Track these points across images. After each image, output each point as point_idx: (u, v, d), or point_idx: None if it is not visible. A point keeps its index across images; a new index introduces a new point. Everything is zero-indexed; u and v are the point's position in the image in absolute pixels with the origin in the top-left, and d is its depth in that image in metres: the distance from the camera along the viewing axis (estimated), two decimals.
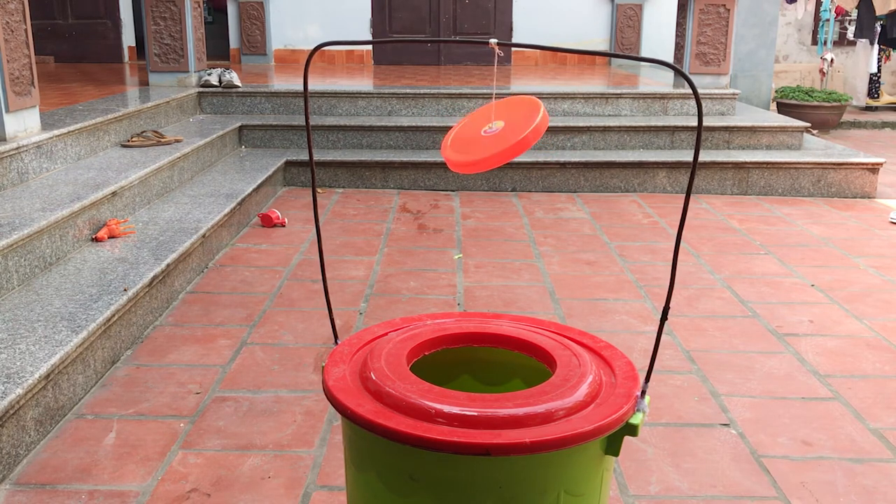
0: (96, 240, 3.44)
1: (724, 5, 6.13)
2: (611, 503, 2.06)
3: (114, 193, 3.66)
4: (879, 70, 10.17)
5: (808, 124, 6.27)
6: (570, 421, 1.24)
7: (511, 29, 9.11)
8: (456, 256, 4.04)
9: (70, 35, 8.46)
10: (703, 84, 6.25)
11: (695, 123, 5.86)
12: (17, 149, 3.52)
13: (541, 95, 6.07)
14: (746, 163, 5.48)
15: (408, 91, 6.10)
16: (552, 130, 5.76)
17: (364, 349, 1.48)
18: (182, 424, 2.40)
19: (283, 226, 4.51)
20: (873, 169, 5.52)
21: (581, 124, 5.80)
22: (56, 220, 3.13)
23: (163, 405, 2.51)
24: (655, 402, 2.56)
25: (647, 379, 1.35)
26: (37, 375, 2.23)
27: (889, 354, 2.98)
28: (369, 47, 9.12)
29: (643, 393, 1.34)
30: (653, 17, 9.14)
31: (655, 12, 9.13)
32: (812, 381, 2.75)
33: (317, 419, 2.44)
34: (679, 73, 1.30)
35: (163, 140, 4.71)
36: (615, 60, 9.35)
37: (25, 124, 3.66)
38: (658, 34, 9.02)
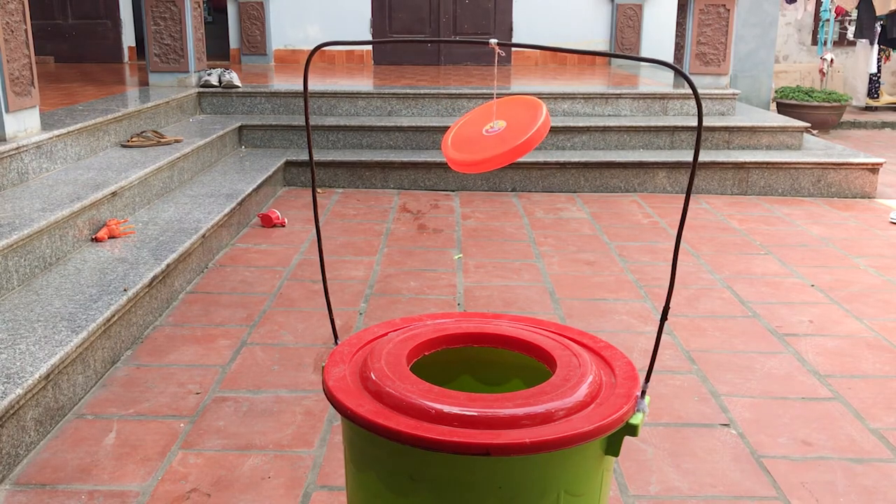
0: (96, 240, 3.44)
1: (724, 5, 6.13)
2: (611, 503, 2.06)
3: (114, 193, 3.66)
4: (879, 70, 10.17)
5: (808, 124, 6.27)
6: (570, 421, 1.24)
7: (511, 29, 9.11)
8: (456, 256, 4.04)
9: (70, 35, 8.46)
10: (703, 84, 6.25)
11: (695, 123, 5.86)
12: (17, 149, 3.52)
13: (541, 95, 6.07)
14: (746, 163, 5.48)
15: (408, 91, 6.11)
16: (552, 130, 5.75)
17: (364, 349, 1.48)
18: (182, 424, 2.40)
19: (283, 226, 4.51)
20: (873, 169, 5.52)
21: (581, 124, 5.80)
22: (56, 221, 3.13)
23: (163, 405, 2.51)
24: (655, 402, 2.56)
25: (647, 379, 1.35)
26: (37, 375, 2.23)
27: (889, 354, 2.98)
28: (369, 47, 9.12)
29: (643, 393, 1.34)
30: (653, 17, 9.14)
31: (655, 12, 9.13)
32: (812, 381, 2.75)
33: (317, 419, 2.44)
34: (679, 73, 1.30)
35: (163, 140, 4.71)
36: (615, 60, 9.35)
37: (25, 124, 3.66)
38: (658, 34, 9.02)
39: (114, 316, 2.74)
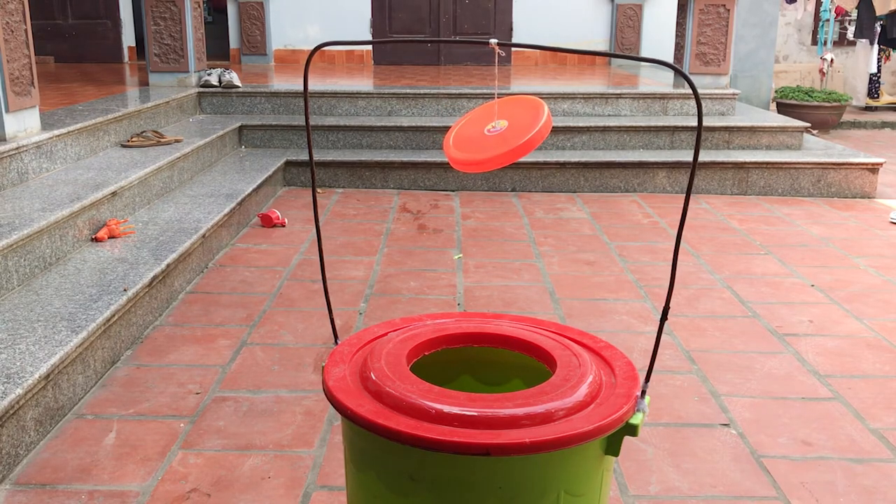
0: (96, 240, 3.44)
1: (724, 5, 6.13)
2: (611, 503, 2.06)
3: (114, 193, 3.66)
4: (879, 70, 10.17)
5: (808, 124, 6.27)
6: (570, 421, 1.24)
7: (511, 29, 9.11)
8: (456, 256, 4.04)
9: (70, 35, 8.46)
10: (703, 84, 6.25)
11: (695, 123, 5.86)
12: (17, 149, 3.52)
13: (541, 95, 6.07)
14: (746, 163, 5.48)
15: (408, 91, 6.11)
16: (552, 130, 5.75)
17: (364, 349, 1.48)
18: (182, 424, 2.40)
19: (283, 226, 4.51)
20: (873, 169, 5.52)
21: (581, 124, 5.80)
22: (56, 220, 3.13)
23: (163, 405, 2.51)
24: (655, 402, 2.56)
25: (647, 379, 1.35)
26: (37, 375, 2.23)
27: (889, 354, 2.98)
28: (369, 47, 9.12)
29: (643, 393, 1.34)
30: (653, 17, 9.14)
31: (655, 12, 9.13)
32: (812, 381, 2.75)
33: (317, 419, 2.44)
34: (679, 73, 1.30)
35: (163, 140, 4.71)
36: (615, 60, 9.35)
37: (25, 124, 3.66)
38: (658, 34, 9.02)
39: (114, 316, 2.74)
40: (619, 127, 5.80)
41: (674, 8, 8.02)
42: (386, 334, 1.53)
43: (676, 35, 6.68)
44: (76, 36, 8.48)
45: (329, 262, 3.90)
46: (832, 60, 9.22)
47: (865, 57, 9.75)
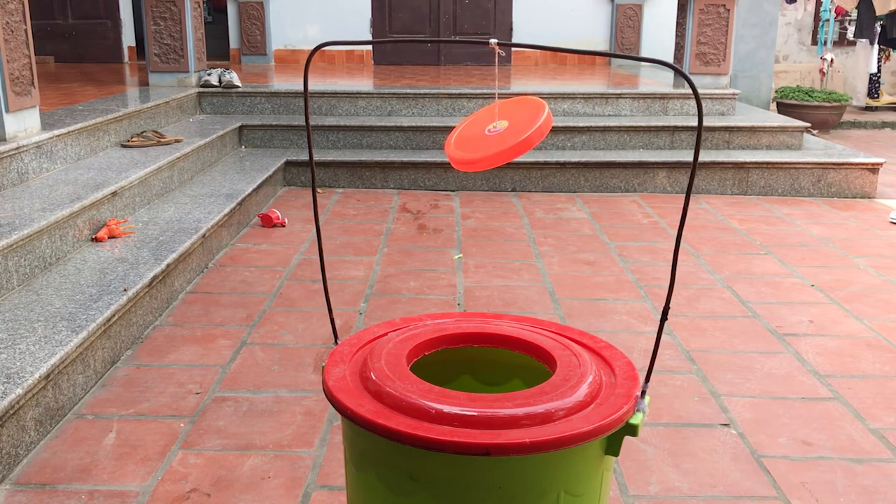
0: (96, 240, 3.44)
1: (724, 5, 6.13)
2: (611, 503, 2.06)
3: (114, 193, 3.66)
4: (879, 70, 10.17)
5: (808, 124, 6.27)
6: (570, 421, 1.24)
7: (511, 29, 9.11)
8: (456, 256, 4.04)
9: (70, 35, 8.47)
10: (703, 84, 6.25)
11: (695, 123, 5.86)
12: (17, 149, 3.52)
13: (541, 95, 6.06)
14: (746, 163, 5.48)
15: (408, 91, 6.11)
16: (552, 130, 5.75)
17: (364, 349, 1.48)
18: (182, 424, 2.40)
19: (283, 226, 4.51)
20: (873, 169, 5.52)
21: (581, 124, 5.80)
22: (56, 220, 3.13)
23: (163, 405, 2.51)
24: (655, 402, 2.56)
25: (647, 379, 1.35)
26: (37, 375, 2.23)
27: (889, 354, 2.98)
28: (369, 47, 9.12)
29: (643, 393, 1.34)
30: (653, 17, 9.14)
31: (655, 12, 9.13)
32: (812, 381, 2.75)
33: (317, 419, 2.44)
34: (679, 73, 1.30)
35: (163, 140, 4.71)
36: (615, 60, 9.35)
37: (25, 124, 3.66)
38: (658, 34, 9.02)
39: (114, 316, 2.74)
40: (619, 127, 5.80)
41: (674, 8, 8.02)
42: (386, 334, 1.53)
43: (676, 35, 6.68)
44: (76, 36, 8.48)
45: (329, 262, 3.90)
46: (832, 60, 9.22)
47: (865, 57, 9.75)
